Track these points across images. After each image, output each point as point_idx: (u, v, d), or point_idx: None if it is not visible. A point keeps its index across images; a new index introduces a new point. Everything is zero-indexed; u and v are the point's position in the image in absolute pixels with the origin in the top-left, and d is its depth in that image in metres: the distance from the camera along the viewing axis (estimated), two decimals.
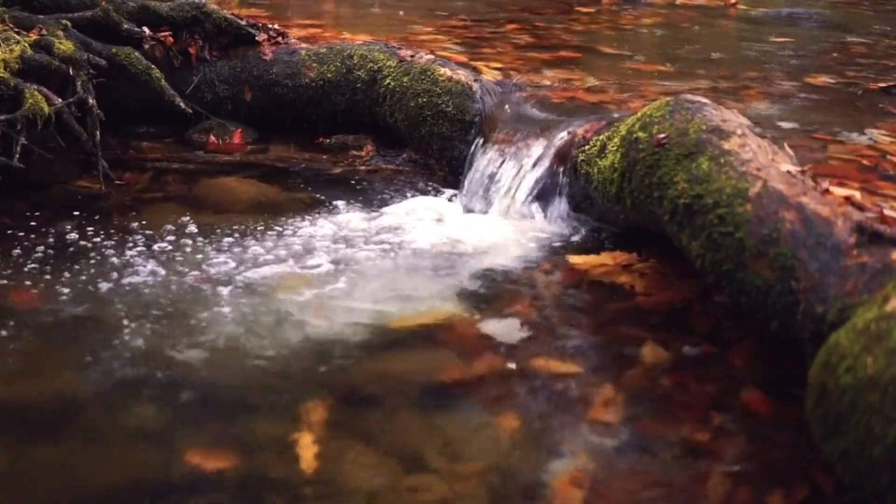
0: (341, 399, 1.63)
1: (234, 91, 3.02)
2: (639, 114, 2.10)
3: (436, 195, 2.61)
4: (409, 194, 2.61)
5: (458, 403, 1.62)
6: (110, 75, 2.71)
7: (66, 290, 1.95)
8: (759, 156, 1.79)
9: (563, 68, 3.29)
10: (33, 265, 2.07)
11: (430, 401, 1.63)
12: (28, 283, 1.99)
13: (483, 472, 1.43)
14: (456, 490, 1.38)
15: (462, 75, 2.76)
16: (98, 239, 2.22)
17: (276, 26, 3.19)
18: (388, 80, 2.86)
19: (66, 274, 2.03)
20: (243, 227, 2.32)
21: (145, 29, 2.91)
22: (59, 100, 2.49)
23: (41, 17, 2.78)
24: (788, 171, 1.74)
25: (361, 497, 1.37)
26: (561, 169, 2.39)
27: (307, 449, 1.48)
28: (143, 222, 2.33)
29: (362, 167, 2.83)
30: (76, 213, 2.39)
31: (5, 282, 1.99)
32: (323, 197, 2.58)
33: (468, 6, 5.02)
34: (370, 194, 2.60)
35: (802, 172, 1.76)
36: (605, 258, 2.16)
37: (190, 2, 2.96)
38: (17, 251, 2.13)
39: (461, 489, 1.39)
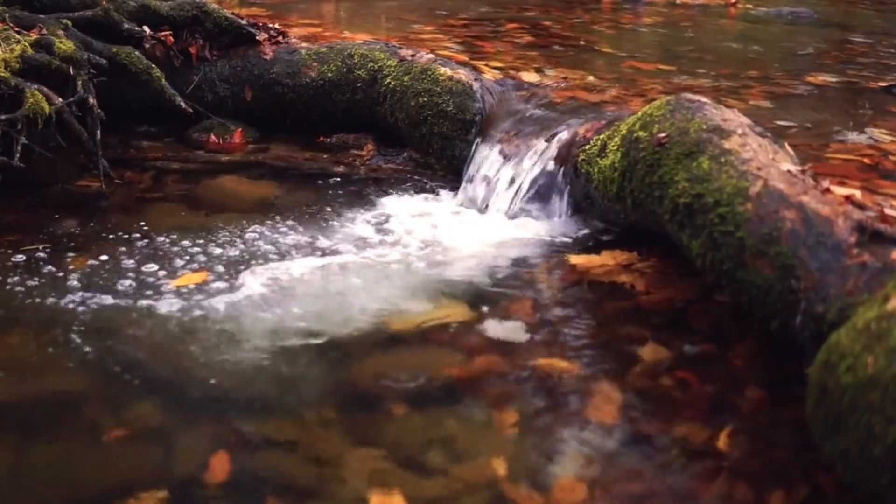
0: (342, 398, 1.63)
1: (234, 90, 3.02)
2: (639, 113, 2.10)
3: (436, 194, 2.61)
4: (409, 194, 2.61)
5: (458, 403, 1.62)
6: (111, 75, 2.72)
7: (65, 289, 1.95)
8: (759, 155, 1.79)
9: (563, 67, 3.29)
10: (33, 264, 2.07)
11: (431, 400, 1.63)
12: (28, 281, 1.99)
13: (483, 471, 1.43)
14: (456, 489, 1.38)
15: (462, 74, 2.76)
16: (98, 238, 2.22)
17: (276, 26, 3.19)
18: (388, 80, 2.86)
19: (66, 273, 2.03)
20: (244, 226, 2.32)
21: (146, 28, 2.91)
22: (60, 99, 2.49)
23: (41, 16, 2.78)
24: (789, 171, 1.74)
25: (362, 496, 1.37)
26: (561, 168, 2.39)
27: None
28: (144, 221, 2.33)
29: (363, 166, 2.83)
30: (76, 212, 2.39)
31: (5, 280, 1.99)
32: (323, 196, 2.58)
33: (469, 5, 5.02)
34: (371, 194, 2.60)
35: (803, 171, 1.76)
36: (606, 257, 2.16)
37: (190, 1, 2.96)
38: (17, 250, 2.13)
39: (461, 488, 1.39)
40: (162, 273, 2.05)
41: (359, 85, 2.92)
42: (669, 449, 1.49)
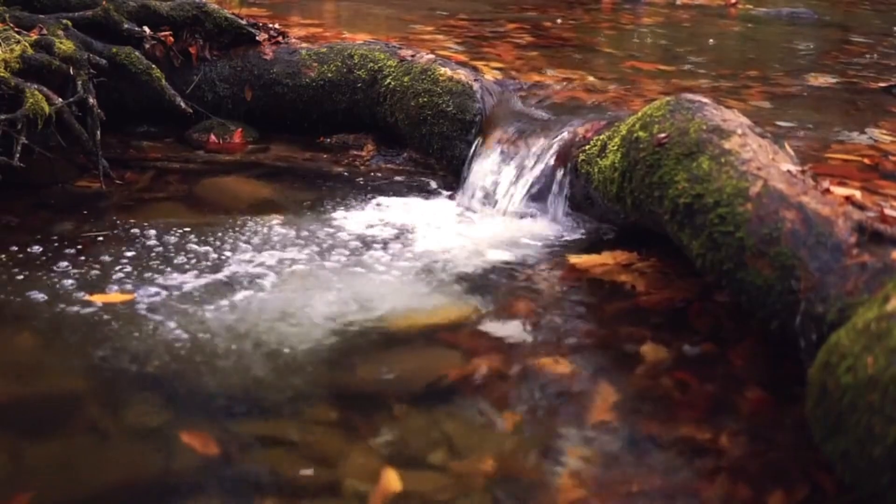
0: (343, 398, 1.63)
1: (234, 90, 3.02)
2: (639, 113, 2.10)
3: (436, 195, 2.61)
4: (409, 194, 2.61)
5: (458, 403, 1.62)
6: (111, 75, 2.72)
7: (65, 289, 1.95)
8: (759, 155, 1.79)
9: (563, 68, 3.29)
10: (33, 264, 2.07)
11: (431, 400, 1.63)
12: (28, 281, 1.99)
13: (483, 471, 1.43)
14: (456, 490, 1.38)
15: (462, 75, 2.76)
16: (98, 238, 2.22)
17: (276, 26, 3.19)
18: (388, 80, 2.86)
19: (66, 273, 2.03)
20: (244, 226, 2.32)
21: (146, 28, 2.91)
22: (60, 99, 2.49)
23: (42, 16, 2.78)
24: (789, 171, 1.74)
25: (361, 496, 1.37)
26: (561, 168, 2.39)
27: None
28: (144, 222, 2.32)
29: (363, 167, 2.83)
30: (76, 212, 2.39)
31: (4, 280, 1.99)
32: (323, 197, 2.58)
33: (469, 6, 5.02)
34: (371, 194, 2.60)
35: (803, 172, 1.76)
36: (606, 257, 2.16)
37: (190, 1, 2.96)
38: (17, 250, 2.13)
39: (461, 489, 1.39)
40: (161, 272, 2.04)
41: (359, 85, 2.92)
42: (669, 449, 1.49)
